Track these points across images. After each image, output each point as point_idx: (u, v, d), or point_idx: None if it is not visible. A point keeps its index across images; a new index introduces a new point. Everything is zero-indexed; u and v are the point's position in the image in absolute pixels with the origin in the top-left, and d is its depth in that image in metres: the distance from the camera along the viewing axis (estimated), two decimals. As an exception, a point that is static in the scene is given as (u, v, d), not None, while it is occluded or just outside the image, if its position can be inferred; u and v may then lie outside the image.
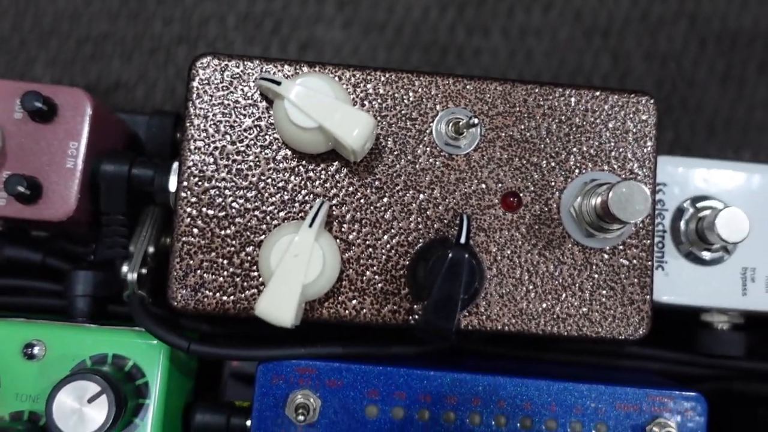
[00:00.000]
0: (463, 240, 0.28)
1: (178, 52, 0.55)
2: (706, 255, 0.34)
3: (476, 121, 0.30)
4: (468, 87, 0.31)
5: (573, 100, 0.32)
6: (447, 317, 0.28)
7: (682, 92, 0.58)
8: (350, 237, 0.31)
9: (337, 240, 0.30)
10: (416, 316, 0.31)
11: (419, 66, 0.57)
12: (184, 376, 0.34)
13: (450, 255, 0.27)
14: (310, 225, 0.28)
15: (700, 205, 0.34)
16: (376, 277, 0.31)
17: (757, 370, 0.36)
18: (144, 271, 0.32)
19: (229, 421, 0.33)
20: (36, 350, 0.31)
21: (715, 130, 0.57)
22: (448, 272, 0.27)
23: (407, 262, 0.31)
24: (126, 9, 0.56)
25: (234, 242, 0.30)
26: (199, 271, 0.30)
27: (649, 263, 0.31)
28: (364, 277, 0.31)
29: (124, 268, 0.32)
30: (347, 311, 0.31)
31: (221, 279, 0.30)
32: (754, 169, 0.35)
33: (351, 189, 0.31)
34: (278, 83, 0.28)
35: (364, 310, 0.31)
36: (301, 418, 0.30)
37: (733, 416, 0.38)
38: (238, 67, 0.31)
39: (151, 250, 0.33)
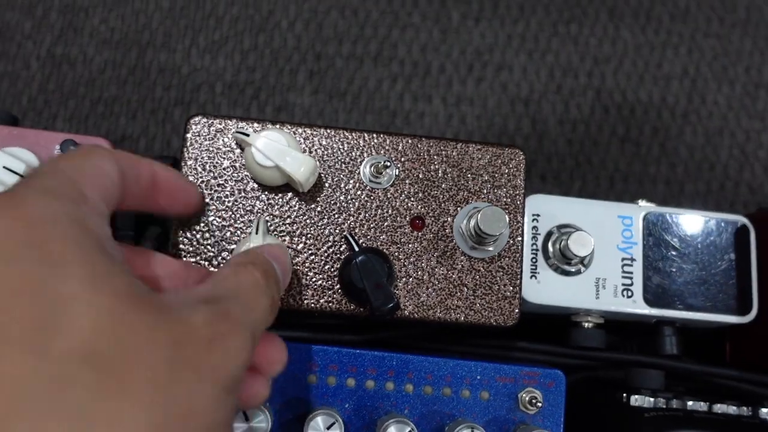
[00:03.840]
0: (356, 248, 0.40)
1: (174, 112, 0.67)
2: (568, 268, 0.46)
3: (389, 163, 0.41)
4: (387, 140, 0.43)
5: (463, 150, 0.44)
6: (386, 297, 0.38)
7: (588, 150, 0.70)
8: (299, 247, 0.42)
9: (290, 249, 0.42)
10: (364, 309, 0.41)
11: (373, 126, 0.70)
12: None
13: (356, 260, 0.39)
14: (256, 233, 0.39)
15: (563, 230, 0.46)
16: (317, 276, 0.42)
17: (614, 359, 0.47)
18: (145, 271, 0.43)
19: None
20: None
21: (615, 182, 0.70)
22: (363, 269, 0.39)
23: (339, 266, 0.42)
24: (132, 77, 0.68)
25: (213, 249, 0.41)
26: (186, 270, 0.41)
27: (518, 270, 0.43)
28: (308, 277, 0.42)
29: (131, 269, 0.43)
30: (294, 301, 0.41)
31: (202, 276, 0.41)
32: (600, 205, 0.47)
33: (300, 212, 0.42)
34: (247, 135, 0.40)
35: (306, 300, 0.41)
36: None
37: (600, 400, 0.49)
38: (220, 124, 0.43)
39: (151, 257, 0.44)
